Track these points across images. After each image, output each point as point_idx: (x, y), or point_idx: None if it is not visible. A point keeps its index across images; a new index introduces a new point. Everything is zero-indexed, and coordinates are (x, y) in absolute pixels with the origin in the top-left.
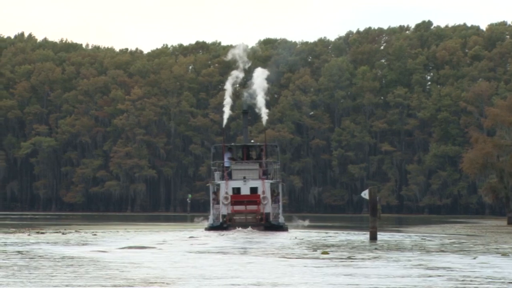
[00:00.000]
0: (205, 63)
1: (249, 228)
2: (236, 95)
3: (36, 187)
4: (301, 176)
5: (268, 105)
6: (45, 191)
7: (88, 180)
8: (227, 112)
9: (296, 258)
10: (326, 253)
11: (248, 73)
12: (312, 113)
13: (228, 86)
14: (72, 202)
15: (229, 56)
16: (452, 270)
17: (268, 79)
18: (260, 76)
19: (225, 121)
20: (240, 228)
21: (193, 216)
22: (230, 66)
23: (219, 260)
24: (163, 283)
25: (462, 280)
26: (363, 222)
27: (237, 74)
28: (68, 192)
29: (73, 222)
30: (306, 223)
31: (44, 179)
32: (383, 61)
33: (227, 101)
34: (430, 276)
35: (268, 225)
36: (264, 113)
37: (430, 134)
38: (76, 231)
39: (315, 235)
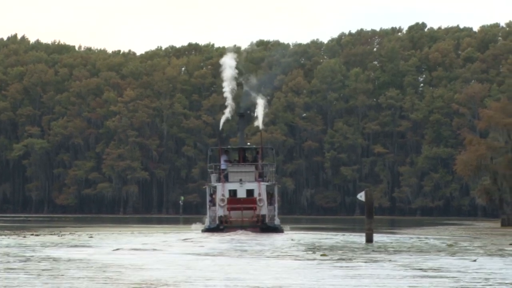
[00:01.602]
0: (198, 65)
1: (245, 230)
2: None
3: (28, 189)
4: (293, 178)
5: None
6: (38, 193)
7: (80, 182)
8: (226, 115)
9: (296, 260)
10: (325, 255)
11: (244, 75)
12: (305, 115)
13: (227, 90)
14: (65, 204)
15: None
16: (452, 272)
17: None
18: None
19: (221, 124)
20: (236, 230)
21: (186, 218)
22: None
23: (216, 262)
24: (164, 285)
25: (463, 282)
26: (356, 224)
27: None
28: (61, 194)
29: (67, 224)
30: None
31: (37, 181)
32: (375, 63)
33: (229, 103)
34: (429, 277)
35: (264, 226)
36: (260, 116)
37: (422, 136)
38: (71, 233)
39: (311, 237)
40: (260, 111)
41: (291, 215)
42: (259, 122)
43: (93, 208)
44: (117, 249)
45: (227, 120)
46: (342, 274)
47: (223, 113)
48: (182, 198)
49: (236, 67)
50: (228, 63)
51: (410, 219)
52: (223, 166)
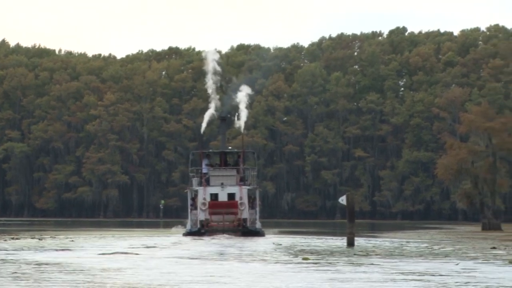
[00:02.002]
0: (178, 69)
1: (227, 234)
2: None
3: (8, 192)
4: (274, 182)
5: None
6: (17, 197)
7: (60, 186)
8: (207, 119)
9: (278, 264)
10: (307, 258)
11: (226, 79)
12: (285, 118)
13: (213, 93)
14: (45, 208)
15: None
16: (436, 276)
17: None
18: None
19: (203, 127)
20: (217, 234)
21: (166, 222)
22: (204, 72)
23: (199, 266)
24: None
25: (448, 286)
26: (337, 227)
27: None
28: (41, 198)
29: (47, 228)
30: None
31: (16, 185)
32: (356, 67)
33: (212, 107)
34: (412, 281)
35: (246, 230)
36: (243, 120)
37: (403, 140)
38: (51, 237)
39: (292, 241)
40: (243, 114)
41: (272, 219)
42: (241, 126)
43: (73, 212)
44: (103, 254)
45: (208, 124)
46: (324, 277)
47: (205, 116)
48: (163, 202)
49: (218, 71)
50: (211, 63)
51: (391, 223)
52: (204, 170)
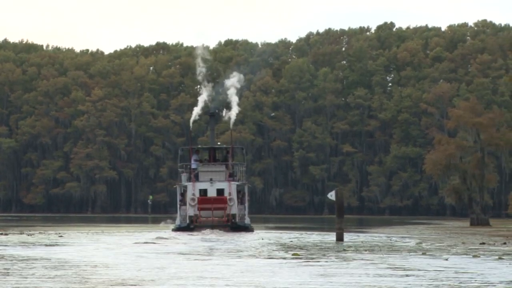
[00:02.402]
0: (166, 64)
1: (216, 229)
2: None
3: None
4: (262, 177)
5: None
6: (5, 192)
7: (48, 182)
8: (195, 114)
9: (268, 259)
10: (297, 254)
11: (214, 74)
12: (273, 114)
13: (201, 89)
14: (32, 203)
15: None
16: (425, 271)
17: (239, 83)
18: (234, 80)
19: (191, 123)
20: (206, 229)
21: (154, 217)
22: (191, 68)
23: (189, 261)
24: (134, 285)
25: (437, 281)
26: (325, 223)
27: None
28: (28, 194)
29: (35, 223)
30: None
31: (4, 181)
32: (344, 62)
33: (201, 102)
34: (402, 277)
35: (234, 226)
36: (233, 116)
37: (391, 135)
38: (40, 232)
39: (281, 236)
40: (233, 110)
41: (260, 215)
42: (230, 122)
43: (61, 208)
44: (96, 249)
45: (195, 120)
46: (315, 273)
47: (193, 111)
48: (151, 197)
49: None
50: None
51: (379, 218)
52: (193, 166)
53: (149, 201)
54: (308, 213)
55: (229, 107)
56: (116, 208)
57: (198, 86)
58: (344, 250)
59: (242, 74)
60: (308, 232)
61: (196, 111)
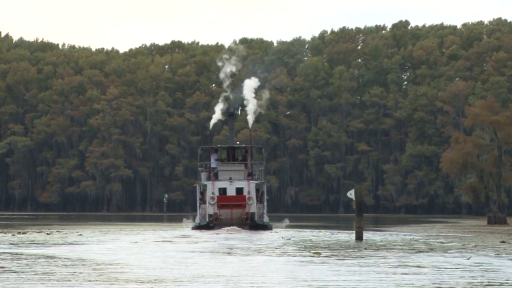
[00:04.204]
0: (181, 63)
1: (235, 227)
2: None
3: (11, 187)
4: (277, 176)
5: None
6: (21, 191)
7: (63, 180)
8: (217, 114)
9: (291, 257)
10: (318, 253)
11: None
12: (288, 112)
13: (226, 89)
14: (48, 202)
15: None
16: (448, 269)
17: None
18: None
19: (212, 123)
20: (226, 228)
21: (170, 216)
22: (207, 66)
23: (212, 259)
24: (162, 282)
25: (462, 280)
26: (341, 221)
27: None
28: (44, 192)
29: (51, 222)
30: (287, 222)
31: (20, 179)
32: (359, 60)
33: (221, 102)
34: (426, 275)
35: (253, 224)
36: (251, 116)
37: (406, 133)
38: (58, 231)
39: (300, 235)
40: (251, 110)
41: (275, 213)
42: (249, 123)
43: (76, 206)
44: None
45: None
46: (337, 271)
47: (215, 113)
48: (166, 195)
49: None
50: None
51: (394, 217)
52: (213, 165)
53: (164, 199)
54: (323, 212)
55: (246, 108)
56: (131, 206)
57: (214, 85)
58: (365, 249)
59: (258, 72)
60: (326, 231)
61: (217, 115)
